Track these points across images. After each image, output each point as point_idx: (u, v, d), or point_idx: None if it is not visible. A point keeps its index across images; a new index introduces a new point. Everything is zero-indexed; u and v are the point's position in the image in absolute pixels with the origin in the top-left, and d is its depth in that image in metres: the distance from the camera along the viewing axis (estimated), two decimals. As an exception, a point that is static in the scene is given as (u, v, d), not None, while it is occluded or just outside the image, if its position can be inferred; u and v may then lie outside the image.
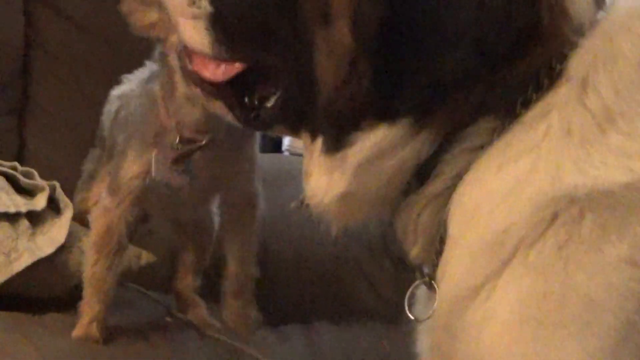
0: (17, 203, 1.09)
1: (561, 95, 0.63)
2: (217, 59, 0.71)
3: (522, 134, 0.63)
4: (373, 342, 1.12)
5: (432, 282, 0.71)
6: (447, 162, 0.66)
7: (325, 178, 0.69)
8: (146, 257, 1.14)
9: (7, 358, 0.92)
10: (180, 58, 0.78)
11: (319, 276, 1.34)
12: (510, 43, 0.63)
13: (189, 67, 0.75)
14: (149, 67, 1.09)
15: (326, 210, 0.70)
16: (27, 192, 1.15)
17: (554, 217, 0.63)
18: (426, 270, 0.72)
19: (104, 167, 1.11)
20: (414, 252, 0.71)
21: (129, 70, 1.15)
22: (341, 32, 0.64)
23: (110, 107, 1.12)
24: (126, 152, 1.02)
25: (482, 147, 0.65)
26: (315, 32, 0.65)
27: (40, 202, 1.12)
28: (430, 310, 0.70)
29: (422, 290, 0.75)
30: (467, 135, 0.65)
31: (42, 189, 1.15)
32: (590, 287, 0.63)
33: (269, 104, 0.71)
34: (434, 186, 0.67)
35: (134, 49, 1.22)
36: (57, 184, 1.16)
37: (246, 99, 0.73)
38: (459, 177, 0.66)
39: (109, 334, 1.04)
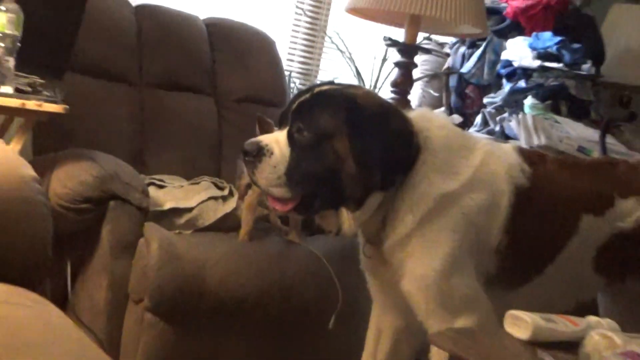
0: (217, 193, 2.41)
1: (427, 156, 1.61)
2: (290, 200, 1.62)
3: (418, 174, 1.60)
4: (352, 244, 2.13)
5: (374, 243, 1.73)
6: (387, 197, 1.63)
7: (353, 221, 1.64)
8: (260, 211, 2.35)
9: (214, 248, 2.14)
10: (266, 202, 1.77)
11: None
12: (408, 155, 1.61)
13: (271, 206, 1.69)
14: None
15: (352, 231, 1.67)
16: (221, 188, 2.46)
17: (432, 207, 1.60)
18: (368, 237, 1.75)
19: (240, 179, 2.33)
20: (373, 228, 1.70)
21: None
22: (350, 165, 1.58)
23: None
24: None
25: (399, 186, 1.61)
26: (341, 169, 1.58)
27: (226, 192, 2.43)
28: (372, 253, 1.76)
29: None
30: (395, 183, 1.61)
31: (226, 187, 2.47)
32: (441, 232, 1.62)
33: (316, 205, 1.67)
34: (382, 207, 1.63)
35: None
36: (232, 185, 2.45)
37: (305, 208, 1.66)
38: (393, 197, 1.62)
39: (251, 238, 2.27)
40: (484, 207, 1.76)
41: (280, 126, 1.70)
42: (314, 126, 1.63)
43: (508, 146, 1.98)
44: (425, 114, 1.83)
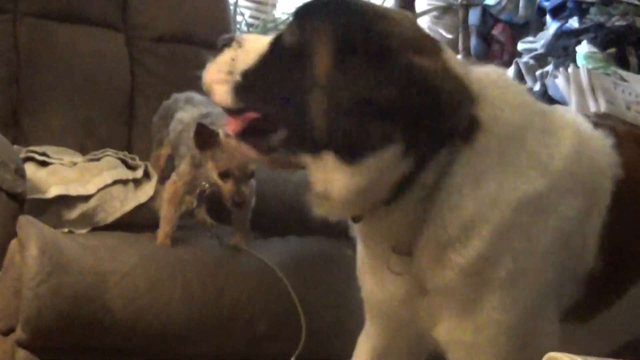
0: (127, 174, 2.01)
1: (492, 141, 1.11)
2: (235, 110, 1.19)
3: (478, 160, 1.11)
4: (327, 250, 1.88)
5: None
6: (424, 179, 1.08)
7: (346, 177, 1.09)
8: (190, 201, 1.93)
9: (121, 255, 1.76)
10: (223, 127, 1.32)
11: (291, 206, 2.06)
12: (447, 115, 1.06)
13: (225, 130, 1.24)
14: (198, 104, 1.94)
15: (338, 201, 1.10)
16: (132, 168, 2.05)
17: (513, 213, 1.10)
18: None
19: (158, 147, 2.00)
20: (400, 237, 1.16)
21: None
22: (330, 93, 1.07)
23: (176, 126, 1.96)
24: (186, 157, 1.87)
25: (444, 169, 1.08)
26: (313, 93, 1.09)
27: (139, 173, 2.04)
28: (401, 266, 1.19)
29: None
30: (434, 162, 1.07)
31: (140, 166, 2.07)
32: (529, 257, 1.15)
33: (276, 138, 1.15)
34: (416, 194, 1.09)
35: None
36: (148, 163, 2.07)
37: (260, 139, 1.18)
38: (433, 188, 1.09)
39: (174, 242, 1.83)
40: (582, 216, 1.37)
41: None
42: (301, 31, 1.30)
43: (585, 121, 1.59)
44: (499, 78, 1.40)
